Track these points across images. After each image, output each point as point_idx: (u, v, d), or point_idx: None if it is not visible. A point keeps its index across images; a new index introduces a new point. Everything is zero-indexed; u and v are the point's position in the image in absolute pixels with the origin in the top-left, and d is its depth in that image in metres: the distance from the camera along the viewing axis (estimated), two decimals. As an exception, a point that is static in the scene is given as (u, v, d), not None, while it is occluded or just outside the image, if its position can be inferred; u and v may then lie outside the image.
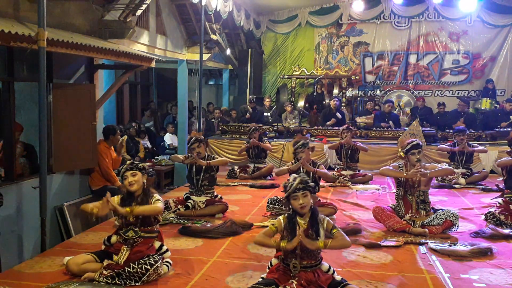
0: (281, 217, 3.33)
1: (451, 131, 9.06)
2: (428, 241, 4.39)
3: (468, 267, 3.80)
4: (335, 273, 3.30)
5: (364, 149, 7.86)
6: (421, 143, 4.89)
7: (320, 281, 3.17)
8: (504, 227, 4.84)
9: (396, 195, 4.98)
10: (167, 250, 3.75)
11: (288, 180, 3.32)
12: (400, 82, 12.08)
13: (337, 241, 3.19)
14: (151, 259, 3.47)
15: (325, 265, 3.29)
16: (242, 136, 9.56)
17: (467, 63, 11.73)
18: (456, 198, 6.48)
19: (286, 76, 12.08)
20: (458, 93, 11.69)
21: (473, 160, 7.85)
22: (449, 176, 7.31)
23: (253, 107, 10.49)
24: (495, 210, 5.09)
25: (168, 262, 3.69)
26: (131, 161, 3.81)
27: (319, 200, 5.61)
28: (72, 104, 5.64)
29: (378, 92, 11.85)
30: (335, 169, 8.06)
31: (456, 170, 7.33)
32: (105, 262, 3.51)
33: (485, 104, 10.21)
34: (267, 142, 8.54)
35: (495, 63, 11.55)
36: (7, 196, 4.82)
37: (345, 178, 7.60)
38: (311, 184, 3.30)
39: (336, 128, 9.58)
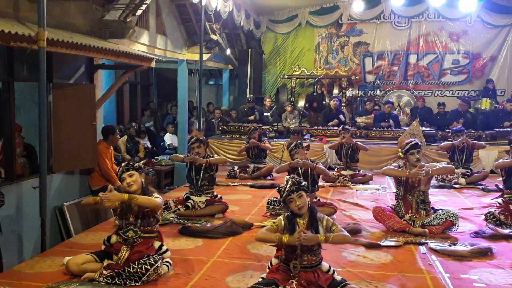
0: (281, 217, 3.34)
1: (451, 130, 9.06)
2: (428, 241, 4.39)
3: (468, 267, 3.80)
4: (335, 273, 3.30)
5: (365, 149, 7.86)
6: (420, 143, 4.89)
7: (320, 281, 3.17)
8: (504, 227, 4.84)
9: (396, 195, 4.98)
10: (167, 250, 3.75)
11: (280, 186, 3.33)
12: (400, 82, 12.08)
13: (338, 236, 3.19)
14: (151, 259, 3.47)
15: (325, 265, 3.29)
16: (242, 136, 9.56)
17: (467, 63, 11.73)
18: (456, 198, 6.48)
19: (286, 76, 12.08)
20: (458, 93, 11.69)
21: (473, 160, 7.85)
22: (449, 176, 7.32)
23: (252, 106, 10.48)
24: (495, 210, 5.09)
25: (168, 262, 3.69)
26: (126, 162, 3.79)
27: (319, 200, 5.61)
28: (72, 104, 5.64)
29: (378, 92, 11.85)
30: (335, 169, 8.06)
31: (456, 170, 7.34)
32: (105, 262, 3.51)
33: (485, 104, 10.21)
34: (267, 142, 8.54)
35: (495, 63, 11.54)
36: (7, 196, 4.82)
37: (345, 178, 7.60)
38: (304, 183, 3.32)
39: (336, 128, 9.58)
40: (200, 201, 5.48)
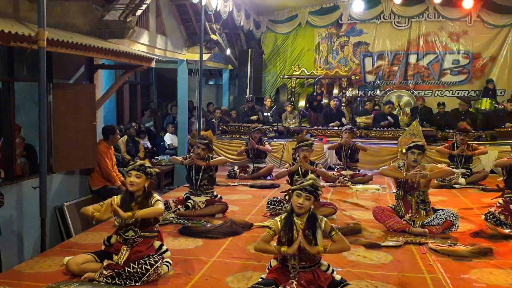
0: (277, 218, 3.33)
1: (451, 130, 9.06)
2: (428, 241, 4.38)
3: (468, 267, 3.80)
4: (334, 272, 3.30)
5: (363, 149, 7.86)
6: (424, 147, 4.88)
7: (320, 281, 3.17)
8: (504, 227, 4.84)
9: (396, 195, 4.98)
10: (167, 250, 3.75)
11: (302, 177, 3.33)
12: (400, 82, 12.08)
13: (337, 245, 3.21)
14: (151, 259, 3.47)
15: (324, 264, 3.29)
16: (242, 136, 9.56)
17: (467, 63, 11.73)
18: (456, 198, 6.48)
19: (286, 76, 12.09)
20: (458, 93, 11.69)
21: (473, 160, 7.84)
22: (449, 176, 7.31)
23: (252, 106, 10.47)
24: (495, 210, 5.09)
25: (168, 262, 3.69)
26: (142, 162, 3.73)
27: (319, 200, 5.60)
28: (72, 104, 5.64)
29: (378, 92, 11.85)
30: (335, 169, 8.06)
31: (456, 170, 7.33)
32: (105, 262, 3.51)
33: (485, 104, 10.22)
34: (267, 143, 8.52)
35: (495, 63, 11.54)
36: (7, 196, 4.82)
37: (345, 178, 7.59)
38: (320, 192, 3.31)
39: (337, 128, 9.59)
40: (200, 201, 5.47)
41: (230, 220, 4.87)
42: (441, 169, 5.05)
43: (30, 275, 3.60)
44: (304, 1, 11.98)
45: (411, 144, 4.81)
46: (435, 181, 7.16)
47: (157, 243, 3.69)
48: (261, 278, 3.27)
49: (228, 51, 11.26)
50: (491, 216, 5.04)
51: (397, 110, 10.81)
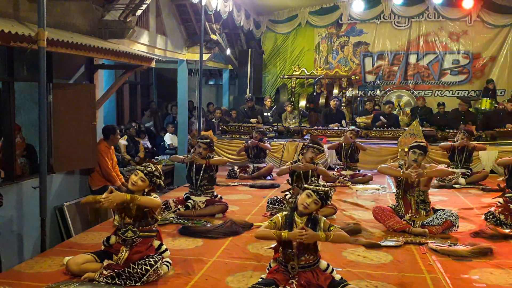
0: (279, 215, 3.34)
1: (451, 131, 9.07)
2: (428, 241, 4.38)
3: (468, 267, 3.79)
4: (334, 271, 3.30)
5: (363, 148, 7.87)
6: (427, 148, 4.87)
7: (320, 281, 3.17)
8: (504, 227, 4.84)
9: (396, 195, 4.98)
10: (166, 250, 3.74)
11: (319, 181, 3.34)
12: (400, 82, 12.08)
13: (338, 234, 3.20)
14: (151, 259, 3.46)
15: (323, 263, 3.29)
16: (242, 136, 9.56)
17: (467, 63, 11.73)
18: (456, 198, 6.48)
19: (286, 76, 12.09)
20: (458, 93, 11.69)
21: (473, 160, 7.84)
22: (449, 176, 7.31)
23: (252, 106, 10.47)
24: (495, 210, 5.09)
25: (167, 262, 3.69)
26: (154, 169, 3.63)
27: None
28: (72, 104, 5.64)
29: (378, 92, 11.85)
30: (335, 169, 8.06)
31: (456, 170, 7.33)
32: (105, 262, 3.51)
33: (485, 104, 10.21)
34: (267, 142, 8.53)
35: (495, 63, 11.55)
36: (7, 196, 4.82)
37: (345, 178, 7.60)
38: (329, 202, 3.34)
39: (336, 128, 9.59)
40: (200, 201, 5.47)
41: (230, 220, 4.87)
42: (438, 168, 5.04)
43: (30, 275, 3.60)
44: (304, 1, 11.99)
45: (414, 144, 4.81)
46: (435, 181, 7.16)
47: (156, 243, 3.68)
48: (261, 278, 3.27)
49: (228, 51, 11.26)
50: (491, 216, 5.04)
51: (397, 110, 10.81)
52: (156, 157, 9.01)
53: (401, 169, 4.82)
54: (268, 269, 3.37)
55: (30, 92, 5.75)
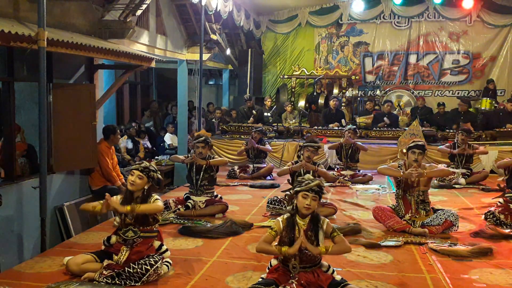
0: (279, 219, 3.32)
1: (451, 131, 9.07)
2: (428, 241, 4.38)
3: (468, 267, 3.79)
4: (335, 272, 3.30)
5: (364, 149, 7.86)
6: (425, 147, 4.88)
7: (320, 281, 3.17)
8: (504, 227, 4.84)
9: (396, 195, 4.98)
10: (166, 250, 3.74)
11: (305, 178, 3.31)
12: (400, 82, 12.08)
13: (338, 246, 3.21)
14: (151, 259, 3.46)
15: (324, 264, 3.29)
16: (242, 136, 9.56)
17: (467, 63, 11.73)
18: (456, 198, 6.48)
19: (286, 76, 12.09)
20: (458, 93, 11.69)
21: (473, 160, 7.84)
22: (449, 176, 7.31)
23: (251, 106, 10.46)
24: (495, 210, 5.09)
25: (168, 262, 3.69)
26: (148, 165, 3.67)
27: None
28: (72, 104, 5.64)
29: (378, 92, 11.84)
30: (335, 169, 8.06)
31: (456, 170, 7.33)
32: (105, 262, 3.51)
33: (485, 104, 10.21)
34: (267, 143, 8.52)
35: (495, 63, 11.55)
36: (7, 196, 4.82)
37: (345, 178, 7.59)
38: (325, 192, 3.31)
39: (336, 128, 9.59)
40: (200, 201, 5.47)
41: (230, 220, 4.87)
42: (439, 169, 5.04)
43: (30, 275, 3.60)
44: (304, 1, 11.99)
45: (412, 144, 4.81)
46: (435, 181, 7.16)
47: (156, 243, 3.68)
48: (261, 278, 3.27)
49: (228, 51, 11.27)
50: (491, 216, 5.04)
51: (397, 110, 10.81)
52: (156, 157, 9.02)
53: (401, 169, 4.82)
54: (268, 268, 3.37)
55: (30, 92, 5.75)
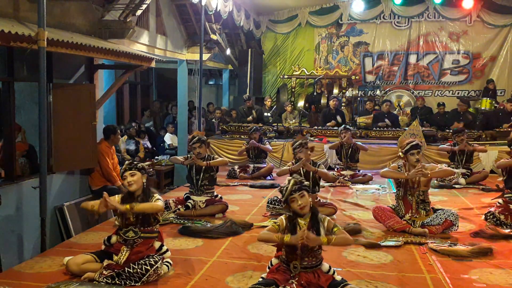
0: (282, 217, 3.33)
1: (451, 131, 9.06)
2: (428, 241, 4.38)
3: (468, 267, 3.79)
4: (335, 273, 3.29)
5: (364, 149, 7.86)
6: (420, 144, 4.88)
7: (320, 282, 3.17)
8: (504, 227, 4.84)
9: (396, 195, 4.98)
10: (167, 250, 3.75)
11: (282, 186, 3.32)
12: (400, 82, 12.08)
13: (340, 238, 3.19)
14: (151, 259, 3.46)
15: (325, 266, 3.29)
16: (242, 136, 9.56)
17: (467, 63, 11.74)
18: (456, 198, 6.48)
19: (286, 76, 12.09)
20: (458, 93, 11.70)
21: (473, 160, 7.84)
22: (449, 176, 7.31)
23: (251, 106, 10.46)
24: (495, 210, 5.09)
25: (168, 262, 3.69)
26: (130, 161, 3.78)
27: (319, 200, 5.61)
28: (72, 104, 5.64)
29: (378, 92, 11.85)
30: (335, 169, 8.06)
31: (456, 170, 7.33)
32: (105, 262, 3.51)
33: (485, 104, 10.21)
34: (267, 143, 8.53)
35: (495, 63, 11.55)
36: (7, 196, 4.82)
37: (345, 178, 7.59)
38: (306, 183, 3.31)
39: (336, 128, 9.58)
40: (200, 201, 5.47)
41: (230, 220, 4.87)
42: (441, 169, 5.04)
43: (30, 275, 3.60)
44: (304, 1, 11.99)
45: (407, 147, 4.77)
46: (435, 181, 7.16)
47: (157, 244, 3.69)
48: (261, 278, 3.27)
49: (228, 51, 11.27)
50: (491, 216, 5.04)
51: (397, 110, 10.81)
52: (156, 157, 9.02)
53: (401, 170, 4.81)
54: (268, 268, 3.37)
55: (30, 92, 5.75)
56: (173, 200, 5.53)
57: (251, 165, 8.22)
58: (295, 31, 12.55)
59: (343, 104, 11.09)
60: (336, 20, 12.24)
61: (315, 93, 11.45)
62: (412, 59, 12.03)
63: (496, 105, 10.21)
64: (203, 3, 7.88)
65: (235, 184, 7.50)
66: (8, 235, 4.94)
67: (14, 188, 5.03)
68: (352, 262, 3.93)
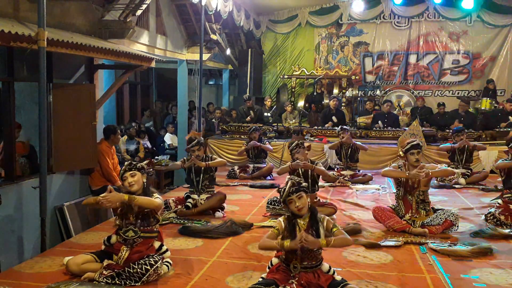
0: (281, 219, 3.33)
1: (451, 131, 9.06)
2: (428, 241, 4.38)
3: (468, 267, 3.79)
4: (335, 273, 3.29)
5: (364, 148, 7.85)
6: (420, 143, 4.89)
7: (320, 282, 3.17)
8: (504, 227, 4.84)
9: (396, 195, 4.97)
10: (167, 250, 3.74)
11: (281, 186, 3.32)
12: (400, 82, 12.08)
13: (339, 239, 3.19)
14: (151, 259, 3.46)
15: (325, 266, 3.29)
16: (242, 136, 9.56)
17: (467, 63, 11.74)
18: (456, 198, 6.47)
19: (286, 76, 12.09)
20: (458, 93, 11.69)
21: (473, 160, 7.84)
22: (449, 176, 7.31)
23: (250, 106, 10.46)
24: (495, 210, 5.09)
25: (168, 262, 3.69)
26: (130, 161, 3.78)
27: (319, 200, 5.61)
28: (72, 104, 5.64)
29: (378, 92, 11.84)
30: (335, 169, 8.05)
31: (456, 170, 7.33)
32: (105, 262, 3.51)
33: (485, 104, 10.21)
34: (267, 142, 8.53)
35: (495, 63, 11.55)
36: (7, 196, 4.83)
37: (345, 178, 7.59)
38: (304, 184, 3.30)
39: (335, 129, 9.57)
40: (201, 199, 5.49)
41: (230, 220, 4.87)
42: (442, 169, 5.04)
43: (30, 275, 3.60)
44: (304, 1, 11.99)
45: (408, 146, 4.78)
46: (435, 181, 7.16)
47: (157, 244, 3.69)
48: (261, 278, 3.27)
49: (228, 51, 11.27)
50: (491, 217, 5.04)
51: (397, 110, 10.81)
52: (156, 157, 9.01)
53: (401, 170, 4.81)
54: (268, 268, 3.37)
55: (30, 92, 5.75)
56: (173, 199, 5.54)
57: (251, 165, 8.22)
58: (295, 31, 12.55)
59: (343, 104, 11.09)
60: (336, 20, 12.24)
61: (315, 93, 11.45)
62: (412, 59, 12.03)
63: (496, 105, 10.21)
64: (203, 3, 7.88)
65: (235, 184, 7.50)
66: (8, 235, 4.94)
67: (14, 188, 5.03)
68: (352, 262, 3.93)
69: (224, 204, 5.60)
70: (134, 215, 3.60)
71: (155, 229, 3.70)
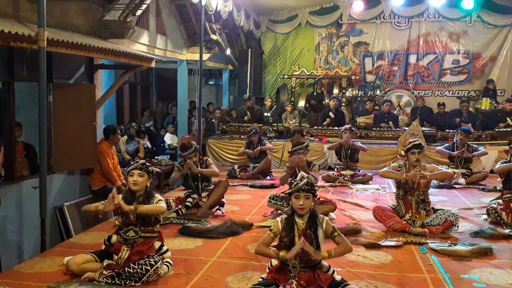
0: (278, 219, 3.33)
1: (451, 131, 9.06)
2: (428, 241, 4.38)
3: (468, 267, 3.80)
4: (335, 272, 3.29)
5: (363, 149, 7.85)
6: (423, 144, 4.88)
7: (320, 281, 3.17)
8: (505, 226, 4.84)
9: (396, 195, 4.98)
10: (167, 250, 3.75)
11: (295, 179, 3.30)
12: (400, 82, 12.08)
13: (340, 248, 3.22)
14: (151, 259, 3.46)
15: (324, 265, 3.29)
16: (242, 136, 9.56)
17: (467, 63, 11.73)
18: (456, 198, 6.48)
19: (286, 76, 12.09)
20: (458, 93, 11.69)
21: (473, 160, 7.84)
22: (448, 178, 7.30)
23: (250, 106, 10.45)
24: (497, 206, 5.08)
25: (168, 262, 3.69)
26: (144, 161, 3.76)
27: (319, 198, 5.60)
28: (72, 104, 5.65)
29: (378, 92, 11.83)
30: (335, 169, 8.05)
31: (456, 170, 7.33)
32: (105, 262, 3.51)
33: (485, 104, 10.21)
34: (267, 142, 8.52)
35: (495, 63, 11.55)
36: (7, 196, 4.83)
37: (345, 178, 7.59)
38: (316, 188, 3.31)
39: (336, 128, 9.57)
40: (203, 197, 5.51)
41: (230, 220, 4.87)
42: (441, 171, 5.03)
43: (30, 275, 3.60)
44: (304, 1, 11.99)
45: (410, 145, 4.79)
46: (435, 181, 7.15)
47: (157, 243, 3.69)
48: (261, 278, 3.27)
49: (228, 51, 11.27)
50: (493, 212, 5.03)
51: (397, 110, 10.81)
52: (156, 157, 9.02)
53: (401, 170, 4.81)
54: (268, 268, 3.37)
55: (30, 92, 5.75)
56: (173, 199, 5.54)
57: (251, 165, 8.22)
58: (295, 31, 12.55)
59: (343, 104, 11.09)
60: (336, 20, 12.24)
61: (315, 93, 11.44)
62: (412, 59, 12.03)
63: (496, 105, 10.21)
64: (203, 3, 7.88)
65: (235, 184, 7.50)
66: (8, 235, 4.94)
67: (14, 188, 5.03)
68: (352, 262, 3.93)
69: (224, 200, 5.62)
70: (135, 215, 3.60)
71: (155, 229, 3.70)
